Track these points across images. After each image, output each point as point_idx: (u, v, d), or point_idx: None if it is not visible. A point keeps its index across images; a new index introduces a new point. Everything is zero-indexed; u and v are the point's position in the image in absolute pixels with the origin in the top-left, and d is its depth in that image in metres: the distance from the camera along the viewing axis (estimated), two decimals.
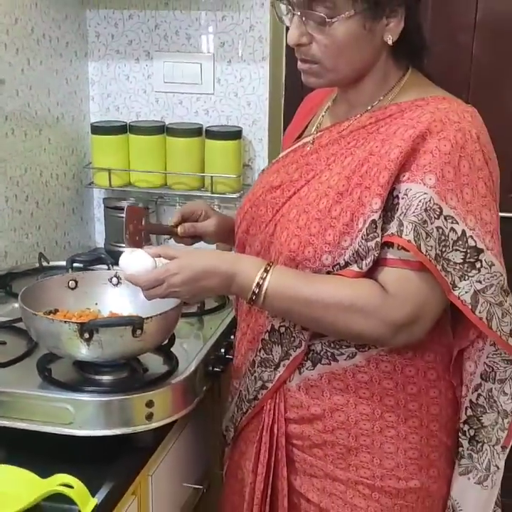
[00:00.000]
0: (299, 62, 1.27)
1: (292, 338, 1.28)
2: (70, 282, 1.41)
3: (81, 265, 1.53)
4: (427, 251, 1.14)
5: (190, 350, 1.41)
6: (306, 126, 1.42)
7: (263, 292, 1.20)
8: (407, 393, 1.27)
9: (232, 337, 1.49)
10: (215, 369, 1.39)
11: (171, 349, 1.38)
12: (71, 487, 1.10)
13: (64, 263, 1.71)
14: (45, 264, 1.75)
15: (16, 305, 1.57)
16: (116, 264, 1.41)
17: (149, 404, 1.23)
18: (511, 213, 2.14)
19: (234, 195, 2.04)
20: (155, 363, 1.34)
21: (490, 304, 1.18)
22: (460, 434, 1.31)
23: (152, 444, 1.28)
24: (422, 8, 2.02)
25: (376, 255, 1.17)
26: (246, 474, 1.37)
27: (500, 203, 1.29)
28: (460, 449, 1.31)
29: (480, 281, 1.17)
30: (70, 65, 2.04)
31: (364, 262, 1.18)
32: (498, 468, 1.29)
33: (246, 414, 1.37)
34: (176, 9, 2.05)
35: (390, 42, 1.22)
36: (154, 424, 1.24)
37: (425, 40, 1.29)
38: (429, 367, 1.28)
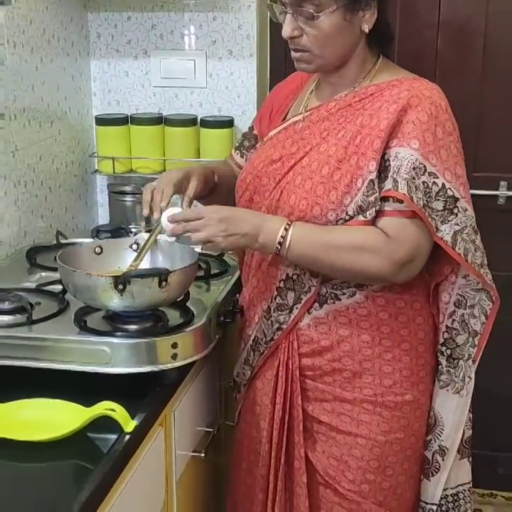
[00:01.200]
0: (292, 52, 1.51)
1: (303, 284, 1.51)
2: (96, 248, 1.61)
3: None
4: (417, 201, 1.39)
5: (202, 306, 1.61)
6: (289, 109, 1.63)
7: (288, 241, 1.43)
8: (398, 322, 1.52)
9: (237, 295, 1.70)
10: (226, 320, 1.60)
11: (187, 305, 1.59)
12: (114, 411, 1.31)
13: (78, 240, 1.92)
14: (63, 240, 1.94)
15: (43, 274, 1.78)
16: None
17: (174, 345, 1.43)
18: (473, 190, 2.40)
19: None
20: (174, 316, 1.54)
21: (466, 242, 1.45)
22: (439, 355, 1.57)
23: (176, 381, 1.49)
24: (392, 9, 2.27)
25: (377, 207, 1.41)
26: (263, 408, 1.60)
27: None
28: (439, 367, 1.57)
29: (457, 224, 1.43)
30: (75, 62, 2.24)
31: (368, 212, 1.41)
32: (470, 378, 1.56)
33: (262, 354, 1.60)
34: (171, 11, 2.26)
35: (366, 30, 1.47)
36: (178, 363, 1.44)
37: (392, 31, 1.55)
38: (414, 299, 1.53)
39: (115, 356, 1.41)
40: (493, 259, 2.41)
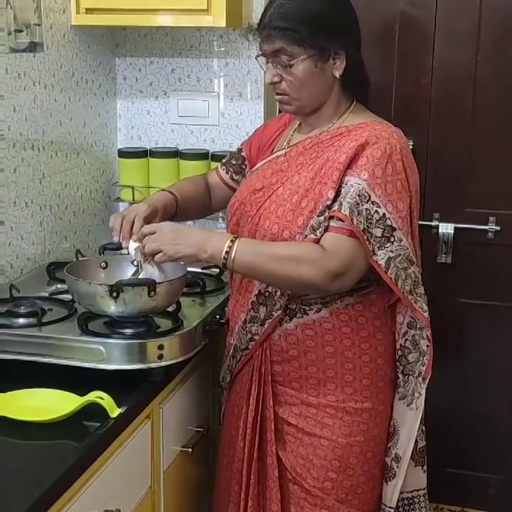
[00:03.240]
0: (275, 95, 1.74)
1: (274, 302, 1.71)
2: (102, 263, 1.84)
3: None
4: (357, 224, 1.58)
5: (193, 316, 1.83)
6: (276, 143, 1.86)
7: (233, 253, 1.60)
8: (360, 336, 1.70)
9: (225, 309, 1.91)
10: (211, 328, 1.81)
11: (178, 314, 1.80)
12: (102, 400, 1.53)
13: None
14: (81, 258, 2.17)
15: (59, 286, 2.02)
16: None
17: (160, 347, 1.64)
18: (465, 224, 2.57)
19: None
20: (166, 324, 1.75)
21: (398, 268, 1.61)
22: (397, 370, 1.74)
23: (163, 380, 1.69)
24: (390, 56, 2.48)
25: (326, 225, 1.60)
26: (240, 409, 1.79)
27: None
28: (398, 380, 1.75)
29: (392, 251, 1.60)
30: (102, 102, 2.51)
31: (318, 230, 1.61)
32: (420, 394, 1.72)
33: (239, 361, 1.80)
34: (188, 57, 2.52)
35: (337, 75, 1.68)
36: (164, 363, 1.65)
37: (367, 75, 1.74)
38: (375, 317, 1.71)
39: (109, 355, 1.62)
40: (481, 290, 2.60)
